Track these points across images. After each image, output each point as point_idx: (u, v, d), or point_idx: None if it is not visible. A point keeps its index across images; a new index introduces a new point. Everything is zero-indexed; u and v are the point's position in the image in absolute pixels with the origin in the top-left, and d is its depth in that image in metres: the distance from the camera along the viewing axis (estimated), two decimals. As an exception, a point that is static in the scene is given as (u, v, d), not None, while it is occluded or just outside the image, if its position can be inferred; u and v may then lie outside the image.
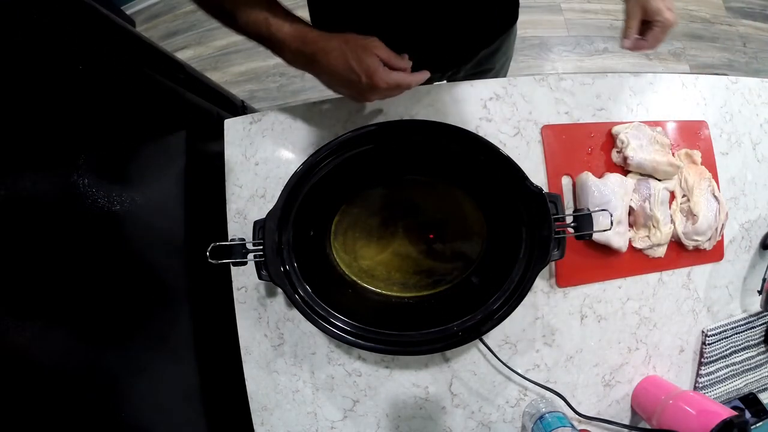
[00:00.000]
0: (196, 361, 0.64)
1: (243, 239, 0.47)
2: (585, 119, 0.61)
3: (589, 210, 0.47)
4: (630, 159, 0.56)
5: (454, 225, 0.56)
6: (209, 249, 0.45)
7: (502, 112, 0.60)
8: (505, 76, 0.84)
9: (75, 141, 0.47)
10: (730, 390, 0.62)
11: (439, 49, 0.61)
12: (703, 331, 0.61)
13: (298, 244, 0.48)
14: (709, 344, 0.61)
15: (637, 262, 0.59)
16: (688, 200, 0.58)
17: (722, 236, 0.61)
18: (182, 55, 1.72)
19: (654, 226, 0.57)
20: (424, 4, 0.55)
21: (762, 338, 0.63)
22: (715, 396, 0.61)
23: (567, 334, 0.58)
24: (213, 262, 0.45)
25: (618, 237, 0.56)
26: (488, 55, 0.73)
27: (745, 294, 0.64)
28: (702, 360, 0.61)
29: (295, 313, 0.56)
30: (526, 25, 1.64)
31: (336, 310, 0.47)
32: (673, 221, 0.58)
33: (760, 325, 0.63)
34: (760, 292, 0.61)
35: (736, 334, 0.62)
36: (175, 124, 0.69)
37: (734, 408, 0.59)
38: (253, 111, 0.64)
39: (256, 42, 0.47)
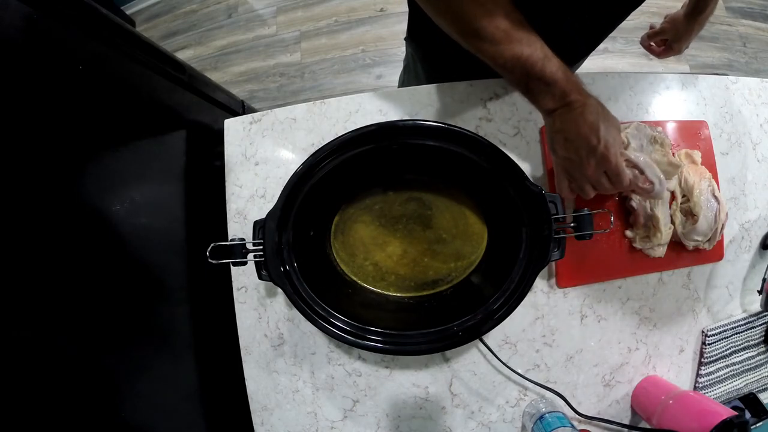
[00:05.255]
0: (196, 361, 0.64)
1: (243, 239, 0.47)
2: (585, 119, 0.61)
3: (588, 210, 0.47)
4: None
5: (454, 225, 0.56)
6: (209, 249, 0.46)
7: (502, 112, 0.60)
8: None
9: (75, 141, 0.47)
10: (730, 390, 0.62)
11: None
12: (703, 331, 0.61)
13: (298, 244, 0.48)
14: (709, 344, 0.61)
15: (637, 262, 0.59)
16: (688, 200, 0.58)
17: (722, 236, 0.60)
18: (182, 55, 1.72)
19: (654, 226, 0.57)
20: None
21: (762, 338, 0.63)
22: (715, 396, 0.61)
23: (567, 334, 0.58)
24: (213, 262, 0.45)
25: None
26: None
27: (745, 294, 0.64)
28: (702, 360, 0.61)
29: (295, 313, 0.56)
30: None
31: (336, 310, 0.47)
32: (673, 221, 0.58)
33: (760, 325, 0.63)
34: (760, 292, 0.61)
35: (736, 334, 0.62)
36: (175, 124, 0.69)
37: (734, 408, 0.59)
38: (253, 111, 0.64)
39: (517, 77, 0.43)
